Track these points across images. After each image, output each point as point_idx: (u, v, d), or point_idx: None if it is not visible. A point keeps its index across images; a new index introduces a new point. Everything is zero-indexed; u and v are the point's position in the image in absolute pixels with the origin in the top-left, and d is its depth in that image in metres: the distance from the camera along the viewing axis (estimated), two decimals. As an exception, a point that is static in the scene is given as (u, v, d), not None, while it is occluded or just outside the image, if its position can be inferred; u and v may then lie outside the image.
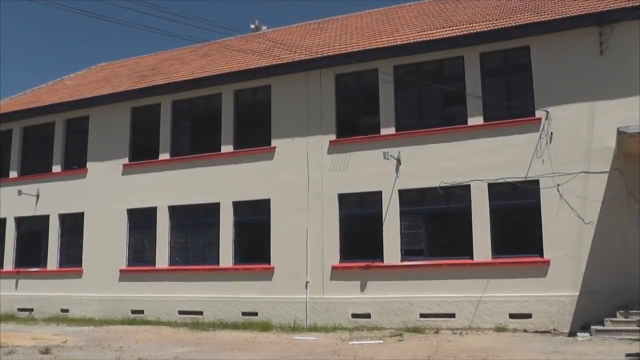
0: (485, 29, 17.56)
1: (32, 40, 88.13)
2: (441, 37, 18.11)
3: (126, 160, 22.71)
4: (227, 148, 20.84)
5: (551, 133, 16.45)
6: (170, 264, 21.28)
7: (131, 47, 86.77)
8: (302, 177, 19.39)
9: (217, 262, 20.39)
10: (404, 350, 13.24)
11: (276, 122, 20.20)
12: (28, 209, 24.65)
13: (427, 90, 18.40)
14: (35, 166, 25.21)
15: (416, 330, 16.52)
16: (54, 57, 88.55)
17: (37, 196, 24.46)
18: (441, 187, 17.43)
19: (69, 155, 24.51)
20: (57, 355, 13.08)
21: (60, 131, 24.63)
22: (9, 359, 12.57)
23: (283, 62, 20.10)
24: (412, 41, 18.45)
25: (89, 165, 23.60)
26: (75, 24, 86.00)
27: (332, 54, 19.41)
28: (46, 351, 13.51)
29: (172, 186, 21.50)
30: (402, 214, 18.00)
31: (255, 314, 19.28)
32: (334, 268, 18.48)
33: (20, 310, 23.77)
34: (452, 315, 16.85)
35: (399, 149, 18.01)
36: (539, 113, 16.64)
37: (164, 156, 21.96)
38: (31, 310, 23.52)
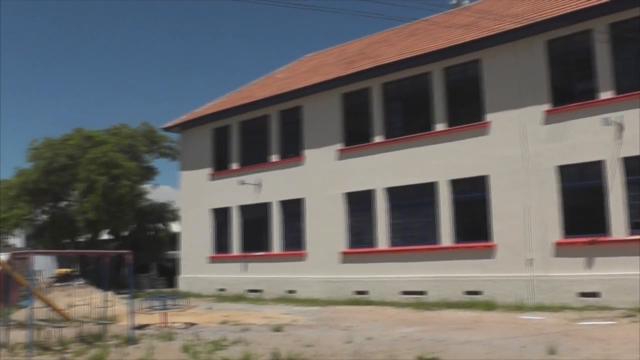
0: None
1: (241, 38, 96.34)
2: (664, -17, 17.83)
3: (341, 146, 25.25)
4: (440, 126, 22.39)
5: None
6: (391, 245, 23.34)
7: (336, 34, 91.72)
8: (519, 151, 20.32)
9: (437, 242, 21.99)
10: (641, 333, 13.15)
11: (488, 96, 21.30)
12: (250, 198, 28.48)
13: (648, 46, 18.36)
14: (254, 157, 28.94)
15: (652, 311, 16.43)
16: (263, 52, 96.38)
17: (258, 185, 28.03)
18: (671, 152, 17.39)
19: (285, 144, 27.82)
20: (288, 333, 15.02)
21: (276, 122, 28.05)
22: (245, 335, 14.72)
23: (490, 34, 21.06)
24: (630, -7, 18.37)
25: (305, 152, 26.62)
26: (281, 17, 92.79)
27: (542, 19, 20.04)
28: (278, 329, 15.64)
29: (387, 168, 23.53)
30: (629, 184, 18.21)
31: (479, 292, 20.55)
32: (556, 244, 19.20)
33: (249, 291, 27.60)
34: (692, 294, 16.75)
35: (620, 114, 18.25)
36: None
37: (378, 139, 24.10)
38: (260, 291, 27.18)
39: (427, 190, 22.49)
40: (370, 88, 24.54)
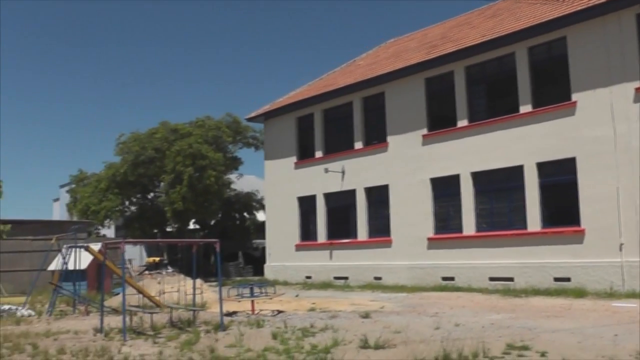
0: None
1: (321, 26, 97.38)
2: None
3: (425, 131, 25.45)
4: (525, 108, 22.24)
5: None
6: (477, 230, 23.43)
7: (418, 19, 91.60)
8: (608, 131, 19.93)
9: (524, 227, 21.92)
10: None
11: (575, 75, 21.02)
12: (335, 185, 29.07)
13: None
14: (338, 145, 29.53)
15: None
16: (344, 39, 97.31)
17: (343, 172, 28.58)
18: None
19: (369, 131, 28.29)
20: (377, 320, 15.24)
21: (358, 109, 28.52)
22: (333, 322, 15.03)
23: (577, 9, 20.69)
24: None
25: (388, 139, 26.96)
26: (361, 2, 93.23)
27: (633, -10, 19.53)
28: (366, 316, 15.93)
29: (472, 152, 23.60)
30: None
31: (568, 279, 20.36)
32: (650, 227, 18.86)
33: (335, 278, 28.24)
34: None
35: None
36: None
37: (462, 123, 24.17)
38: (346, 278, 27.75)
39: (513, 174, 22.45)
40: (453, 72, 24.62)
